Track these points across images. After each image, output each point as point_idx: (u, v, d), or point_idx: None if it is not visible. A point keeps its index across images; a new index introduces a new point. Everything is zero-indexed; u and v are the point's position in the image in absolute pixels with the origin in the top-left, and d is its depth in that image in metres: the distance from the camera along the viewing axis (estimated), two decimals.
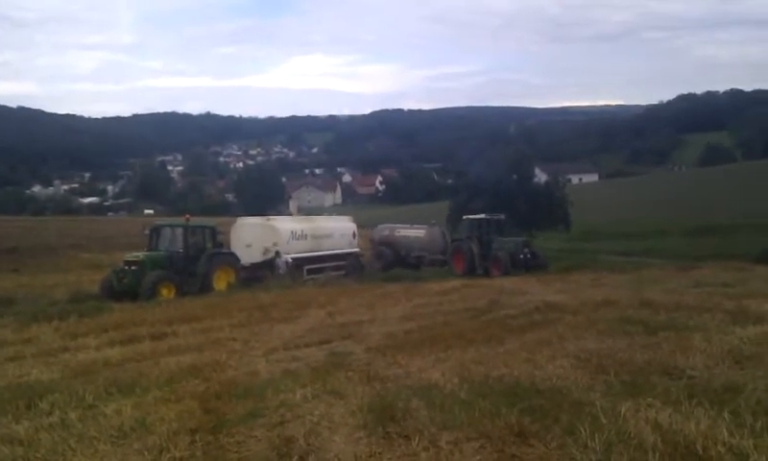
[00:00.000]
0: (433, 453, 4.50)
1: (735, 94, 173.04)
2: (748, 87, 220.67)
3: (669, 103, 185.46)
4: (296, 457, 4.71)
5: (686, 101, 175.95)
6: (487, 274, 27.44)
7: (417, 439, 4.78)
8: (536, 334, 9.76)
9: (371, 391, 6.49)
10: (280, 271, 24.53)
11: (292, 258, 26.61)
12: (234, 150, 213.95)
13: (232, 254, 24.51)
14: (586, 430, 4.49)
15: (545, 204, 42.74)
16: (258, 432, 5.43)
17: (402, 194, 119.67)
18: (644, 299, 12.50)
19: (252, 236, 26.89)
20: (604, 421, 4.74)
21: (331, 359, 8.81)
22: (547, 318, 11.51)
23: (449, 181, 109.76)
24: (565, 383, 6.21)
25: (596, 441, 4.31)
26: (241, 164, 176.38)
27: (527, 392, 6.04)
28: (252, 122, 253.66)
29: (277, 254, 25.41)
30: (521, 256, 28.00)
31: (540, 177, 58.98)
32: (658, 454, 3.98)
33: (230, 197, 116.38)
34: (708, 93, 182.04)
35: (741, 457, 3.86)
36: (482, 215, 31.17)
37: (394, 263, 31.26)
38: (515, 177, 46.50)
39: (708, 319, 9.56)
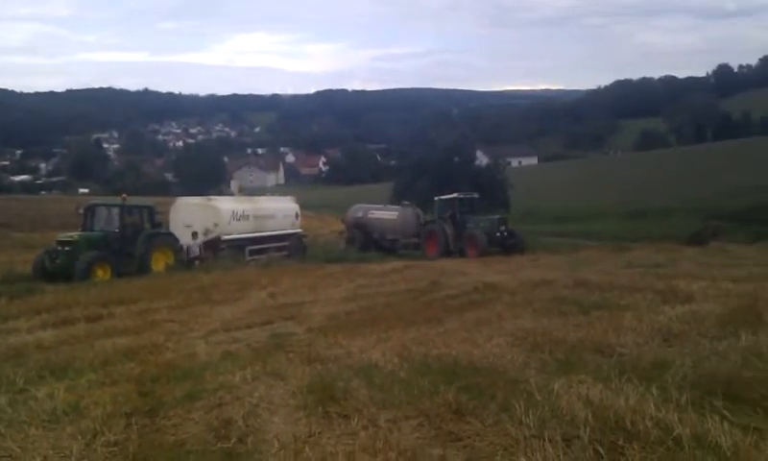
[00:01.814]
0: (372, 432, 4.54)
1: (669, 81, 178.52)
2: (681, 74, 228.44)
3: (607, 88, 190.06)
4: (234, 439, 4.68)
5: (623, 87, 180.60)
6: (462, 255, 26.54)
7: (356, 418, 4.81)
8: (475, 314, 9.93)
9: (311, 372, 6.50)
10: (192, 255, 23.73)
11: (232, 239, 26.28)
12: (173, 128, 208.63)
13: (171, 235, 24.03)
14: (520, 407, 4.60)
15: (487, 186, 43.41)
16: (196, 414, 5.38)
17: (346, 175, 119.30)
18: (579, 279, 12.86)
19: (192, 217, 26.36)
20: (538, 397, 4.87)
21: (272, 340, 8.77)
22: (486, 298, 11.73)
23: (393, 162, 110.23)
24: (502, 361, 6.35)
25: (530, 417, 4.42)
26: (181, 143, 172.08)
27: (465, 370, 6.15)
28: (193, 100, 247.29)
29: (194, 235, 24.40)
30: (498, 235, 27.26)
31: (482, 159, 59.86)
32: (588, 429, 4.11)
33: (170, 176, 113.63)
34: (644, 79, 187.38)
35: (667, 430, 4.00)
36: (455, 194, 30.14)
37: (367, 246, 30.34)
38: (457, 159, 47.05)
39: (639, 298, 9.90)
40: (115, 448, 4.70)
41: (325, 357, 7.25)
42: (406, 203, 32.64)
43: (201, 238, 24.72)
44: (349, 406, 5.13)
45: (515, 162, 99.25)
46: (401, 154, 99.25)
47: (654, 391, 4.74)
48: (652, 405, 4.39)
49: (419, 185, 45.26)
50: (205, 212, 26.73)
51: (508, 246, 26.91)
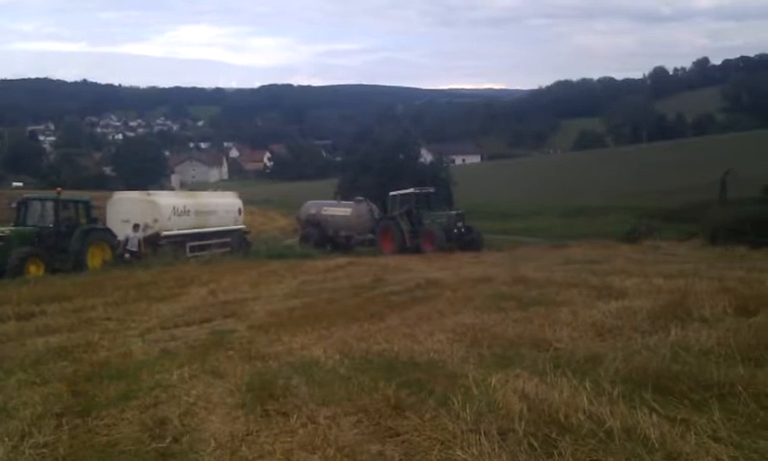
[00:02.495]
0: (311, 429, 4.53)
1: (608, 82, 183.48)
2: (619, 76, 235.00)
3: (548, 88, 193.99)
4: (169, 438, 4.60)
5: (564, 87, 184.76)
6: (418, 251, 25.61)
7: (295, 416, 4.79)
8: (416, 310, 10.02)
9: (251, 369, 6.43)
10: (131, 247, 23.04)
11: (173, 235, 25.75)
12: (113, 120, 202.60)
13: (108, 231, 23.37)
14: (458, 401, 4.66)
15: (430, 183, 43.73)
16: (130, 414, 5.26)
17: (291, 170, 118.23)
18: (518, 275, 13.12)
19: (131, 212, 25.66)
20: (476, 392, 4.94)
21: (212, 338, 8.66)
22: (428, 294, 11.85)
23: (339, 158, 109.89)
24: (442, 357, 6.43)
25: (468, 411, 4.48)
26: (120, 136, 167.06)
27: (405, 366, 6.20)
28: (133, 92, 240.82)
29: (135, 227, 23.65)
30: (455, 231, 26.41)
31: (426, 157, 60.30)
32: (523, 422, 4.19)
33: (108, 170, 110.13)
34: (584, 80, 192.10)
35: (599, 423, 4.11)
36: (411, 189, 29.03)
37: (321, 244, 29.41)
38: (401, 156, 47.28)
39: (575, 294, 10.17)
40: (45, 450, 4.55)
41: (266, 355, 7.19)
42: (360, 198, 31.40)
43: (141, 233, 24.08)
44: (289, 404, 5.10)
45: (458, 160, 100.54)
46: (347, 150, 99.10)
47: (587, 384, 4.85)
48: (585, 399, 4.50)
49: (363, 182, 45.28)
50: (144, 207, 26.08)
51: (465, 242, 26.18)
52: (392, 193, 29.52)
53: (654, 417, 4.09)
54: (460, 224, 26.90)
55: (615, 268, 14.76)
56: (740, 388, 4.55)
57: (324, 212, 31.11)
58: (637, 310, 7.94)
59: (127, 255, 22.47)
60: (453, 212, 27.64)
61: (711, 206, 31.36)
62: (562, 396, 4.60)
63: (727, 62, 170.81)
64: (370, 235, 28.91)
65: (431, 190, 29.56)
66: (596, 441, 3.89)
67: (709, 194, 33.49)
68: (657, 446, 3.74)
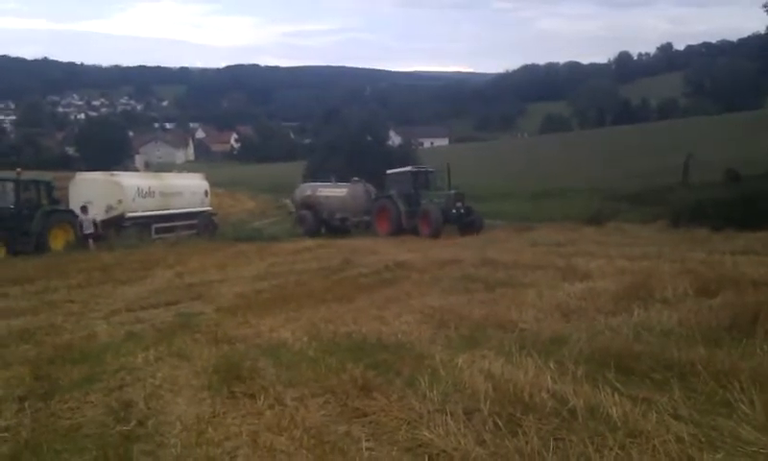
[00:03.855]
0: (278, 411, 4.53)
1: (574, 66, 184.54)
2: (585, 61, 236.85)
3: (515, 72, 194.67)
4: (134, 421, 4.56)
5: (530, 71, 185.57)
6: (416, 233, 24.62)
7: (262, 397, 4.79)
8: (385, 292, 10.07)
9: (218, 352, 6.40)
10: (85, 230, 22.55)
11: (137, 216, 25.37)
12: (75, 100, 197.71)
13: (70, 212, 22.92)
14: (425, 382, 4.70)
15: (399, 166, 43.75)
16: (94, 397, 5.21)
17: (259, 152, 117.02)
18: (486, 257, 13.25)
19: (94, 193, 25.16)
20: (442, 372, 4.99)
21: (178, 320, 8.59)
22: (396, 276, 11.91)
23: (307, 140, 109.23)
24: (409, 338, 6.47)
25: (434, 391, 4.53)
26: (83, 116, 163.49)
27: (373, 347, 6.24)
28: (96, 70, 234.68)
29: (83, 209, 23.07)
30: (454, 212, 25.08)
31: (395, 139, 60.32)
32: (489, 402, 4.24)
33: (71, 151, 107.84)
34: (550, 64, 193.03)
35: (562, 402, 4.18)
36: (408, 168, 28.04)
37: (316, 227, 28.57)
38: (369, 138, 47.20)
39: (540, 276, 10.31)
40: (6, 434, 4.50)
41: (233, 337, 7.16)
42: (356, 179, 30.08)
43: (93, 213, 23.52)
44: (256, 386, 5.09)
45: (427, 143, 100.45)
46: (315, 132, 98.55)
47: (551, 364, 4.93)
48: (549, 378, 4.57)
49: (332, 164, 45.12)
50: (108, 188, 25.59)
51: (464, 224, 25.12)
52: (388, 172, 28.47)
53: (616, 396, 4.17)
54: (459, 204, 25.44)
55: (580, 250, 14.99)
56: (700, 367, 4.65)
57: (318, 194, 29.98)
58: (601, 291, 8.09)
59: (91, 241, 22.01)
60: (452, 192, 25.92)
61: (674, 189, 31.93)
62: (526, 376, 4.68)
63: (690, 48, 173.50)
64: (366, 217, 27.76)
65: (430, 169, 28.02)
66: (560, 420, 3.95)
67: (673, 177, 34.05)
68: (619, 424, 3.82)
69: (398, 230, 25.14)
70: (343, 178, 31.62)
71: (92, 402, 5.10)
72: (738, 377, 4.34)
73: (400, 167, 29.73)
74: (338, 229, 28.11)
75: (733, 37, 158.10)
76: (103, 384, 5.56)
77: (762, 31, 36.19)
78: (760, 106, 70.34)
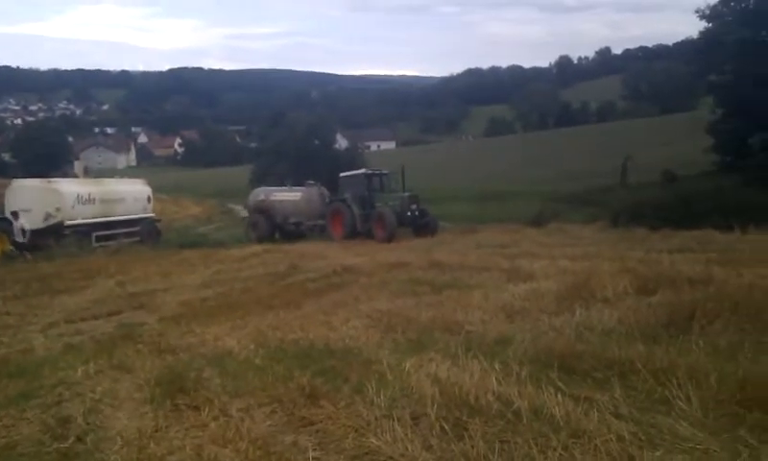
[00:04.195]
0: (223, 422, 4.44)
1: (516, 70, 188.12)
2: (527, 64, 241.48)
3: (459, 76, 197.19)
4: (72, 438, 4.40)
5: (474, 75, 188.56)
6: (371, 236, 24.41)
7: (206, 409, 4.68)
8: (332, 297, 10.05)
9: (161, 363, 6.27)
10: (17, 238, 22.04)
11: (77, 224, 24.62)
12: (11, 104, 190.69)
13: (5, 220, 22.10)
14: (372, 387, 4.67)
15: (346, 169, 43.71)
16: (30, 414, 5.01)
17: (204, 157, 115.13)
18: (433, 260, 13.35)
19: (31, 200, 24.34)
20: (390, 377, 4.98)
21: (120, 331, 8.40)
22: (344, 281, 11.90)
23: (253, 144, 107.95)
24: (357, 343, 6.45)
25: (382, 397, 4.51)
26: (19, 121, 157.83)
27: (321, 354, 6.19)
28: (33, 74, 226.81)
29: (14, 215, 22.40)
30: (408, 215, 24.69)
31: (341, 143, 60.30)
32: (436, 406, 4.25)
33: (7, 157, 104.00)
34: (493, 68, 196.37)
35: (507, 404, 4.23)
36: (362, 170, 27.66)
37: (269, 232, 27.84)
38: (316, 142, 47.04)
39: (486, 277, 10.45)
40: None
41: (177, 347, 7.02)
42: (311, 182, 29.44)
43: (22, 221, 22.72)
44: (200, 397, 4.98)
45: (374, 146, 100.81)
46: (261, 136, 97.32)
47: (496, 366, 4.98)
48: (494, 380, 4.62)
49: (278, 168, 44.80)
50: (46, 196, 24.77)
51: (419, 226, 24.80)
52: (342, 174, 27.95)
53: (559, 396, 4.24)
54: (414, 207, 25.03)
55: (524, 251, 15.26)
56: (639, 365, 4.77)
57: (272, 198, 29.27)
58: (545, 292, 8.22)
59: (27, 253, 21.24)
60: (406, 194, 25.45)
61: (613, 190, 32.88)
62: (472, 378, 4.71)
63: (627, 52, 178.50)
64: (320, 221, 27.15)
65: (384, 172, 27.47)
66: (505, 422, 4.00)
67: (612, 179, 35.08)
68: (562, 424, 3.88)
69: (353, 234, 24.82)
70: (296, 182, 31.12)
71: (28, 419, 4.91)
72: (676, 374, 4.46)
73: (349, 170, 29.54)
74: (292, 233, 27.60)
75: (669, 42, 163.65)
76: (40, 400, 5.37)
77: (696, 35, 37.52)
78: (695, 108, 73.00)
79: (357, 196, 25.79)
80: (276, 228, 28.40)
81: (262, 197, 29.72)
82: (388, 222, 24.10)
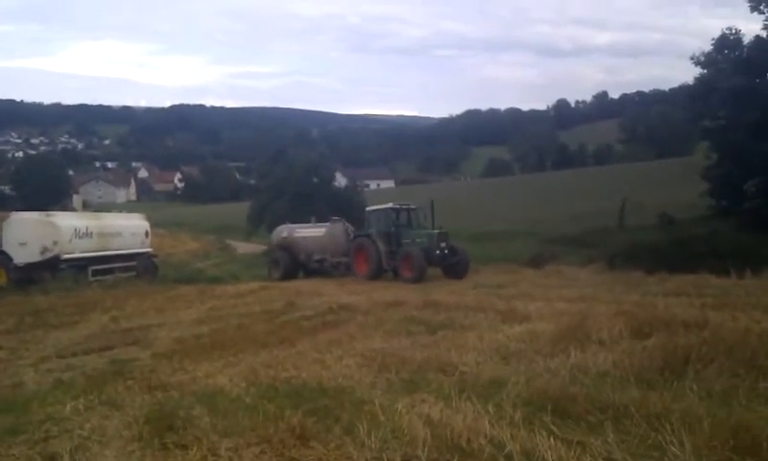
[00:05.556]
0: None
1: (514, 112, 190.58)
2: (525, 107, 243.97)
3: (458, 116, 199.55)
4: None
5: (473, 116, 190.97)
6: (396, 275, 23.11)
7: (195, 448, 4.63)
8: (327, 335, 9.98)
9: (151, 400, 6.21)
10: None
11: (74, 258, 24.57)
12: (13, 137, 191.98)
13: (3, 253, 22.07)
14: (364, 428, 4.63)
15: (345, 207, 43.77)
16: (17, 450, 4.96)
17: (203, 193, 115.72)
18: (429, 300, 13.30)
19: (29, 233, 24.31)
20: (382, 418, 4.94)
21: (111, 367, 8.33)
22: (340, 319, 11.84)
23: (253, 181, 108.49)
24: (350, 383, 6.41)
25: (372, 438, 4.47)
26: (21, 154, 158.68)
27: (313, 393, 6.14)
28: (36, 108, 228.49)
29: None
30: (438, 253, 22.76)
31: (341, 181, 60.59)
32: (427, 448, 4.22)
33: (7, 189, 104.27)
34: (491, 110, 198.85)
35: (499, 447, 4.20)
36: (389, 205, 25.63)
37: (293, 271, 26.99)
38: (316, 180, 47.24)
39: (481, 318, 10.41)
40: None
41: (168, 384, 6.97)
42: (336, 218, 28.14)
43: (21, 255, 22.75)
44: (189, 435, 4.93)
45: (373, 185, 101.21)
46: (260, 173, 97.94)
47: (490, 408, 4.95)
48: (487, 423, 4.58)
49: (277, 205, 44.92)
50: (43, 229, 24.74)
51: (449, 266, 23.06)
52: (368, 208, 26.43)
53: (552, 440, 4.21)
54: (443, 244, 23.13)
55: (521, 292, 15.24)
56: (633, 410, 4.75)
57: (295, 235, 28.17)
58: (540, 334, 8.20)
59: None
60: (435, 231, 23.50)
61: (611, 232, 32.93)
62: (465, 421, 4.67)
63: (624, 96, 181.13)
64: (344, 258, 25.87)
65: (412, 206, 25.87)
66: None
67: (609, 221, 35.16)
68: None
69: (379, 272, 23.46)
70: (321, 218, 30.29)
71: (15, 456, 4.86)
72: (670, 420, 4.44)
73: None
74: (316, 271, 26.70)
75: (665, 87, 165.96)
76: (27, 436, 5.31)
77: (691, 81, 38.00)
78: (691, 152, 73.64)
79: (383, 232, 24.22)
80: (299, 265, 27.50)
81: (285, 234, 28.89)
82: (416, 261, 22.40)
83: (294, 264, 27.31)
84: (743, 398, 5.03)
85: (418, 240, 23.45)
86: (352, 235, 25.96)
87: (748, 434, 4.08)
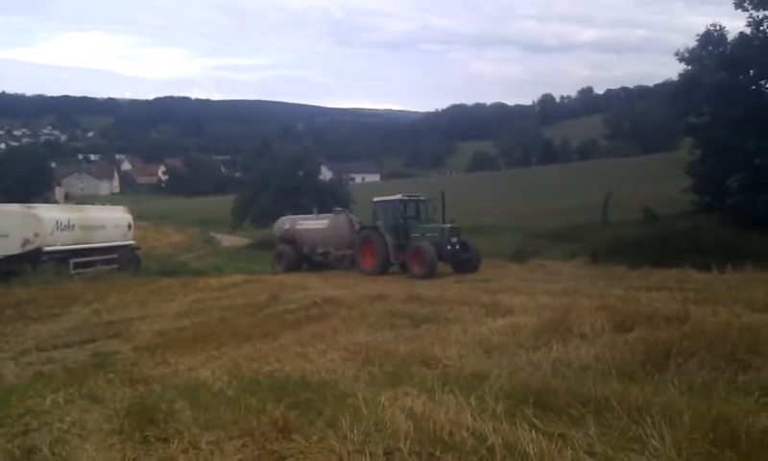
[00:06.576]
0: (192, 455, 4.35)
1: (500, 107, 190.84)
2: (510, 102, 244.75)
3: (444, 111, 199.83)
4: None
5: (458, 111, 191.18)
6: (405, 270, 22.02)
7: (176, 441, 4.59)
8: (311, 328, 9.95)
9: (132, 393, 6.16)
10: None
11: (55, 250, 24.32)
12: None
13: None
14: (346, 421, 4.62)
15: (330, 200, 43.69)
16: None
17: (187, 185, 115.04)
18: (413, 293, 13.32)
19: (10, 225, 24.00)
20: (365, 411, 4.93)
21: (92, 360, 8.26)
22: (324, 312, 11.80)
23: (238, 173, 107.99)
24: (333, 376, 6.39)
25: (355, 431, 4.46)
26: (3, 145, 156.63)
27: (296, 386, 6.12)
28: (18, 99, 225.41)
29: None
30: (449, 248, 21.74)
31: (326, 174, 60.46)
32: (409, 441, 4.21)
33: None
34: (477, 105, 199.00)
35: (481, 440, 4.20)
36: (398, 196, 24.39)
37: (297, 264, 26.35)
38: (301, 173, 47.14)
39: (465, 312, 10.42)
40: None
41: (150, 377, 6.91)
42: (339, 209, 27.75)
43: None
44: (170, 429, 4.89)
45: (358, 178, 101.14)
46: (245, 166, 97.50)
47: (472, 401, 4.96)
48: (469, 416, 4.59)
49: (261, 199, 44.78)
50: (25, 221, 24.44)
51: (460, 261, 21.98)
52: (375, 199, 24.94)
53: (534, 433, 4.21)
54: (454, 239, 22.09)
55: (505, 286, 15.30)
56: (614, 403, 4.77)
57: (298, 227, 27.48)
58: (523, 327, 8.23)
59: None
60: (447, 225, 22.35)
61: (594, 227, 33.14)
62: (447, 413, 4.67)
63: (609, 92, 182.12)
64: (348, 251, 25.06)
65: (421, 198, 24.71)
66: (478, 458, 3.96)
67: (593, 216, 35.36)
68: None
69: (386, 267, 22.52)
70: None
71: None
72: (650, 413, 4.47)
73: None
74: (320, 264, 26.12)
75: (650, 83, 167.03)
76: (5, 429, 5.24)
77: (675, 78, 38.30)
78: (674, 148, 74.14)
79: (391, 224, 23.12)
80: (303, 258, 26.88)
81: (287, 226, 28.24)
82: (427, 257, 21.09)
83: (298, 257, 26.76)
84: (723, 391, 5.08)
85: (428, 235, 22.37)
86: (358, 227, 25.25)
87: (727, 427, 4.11)
